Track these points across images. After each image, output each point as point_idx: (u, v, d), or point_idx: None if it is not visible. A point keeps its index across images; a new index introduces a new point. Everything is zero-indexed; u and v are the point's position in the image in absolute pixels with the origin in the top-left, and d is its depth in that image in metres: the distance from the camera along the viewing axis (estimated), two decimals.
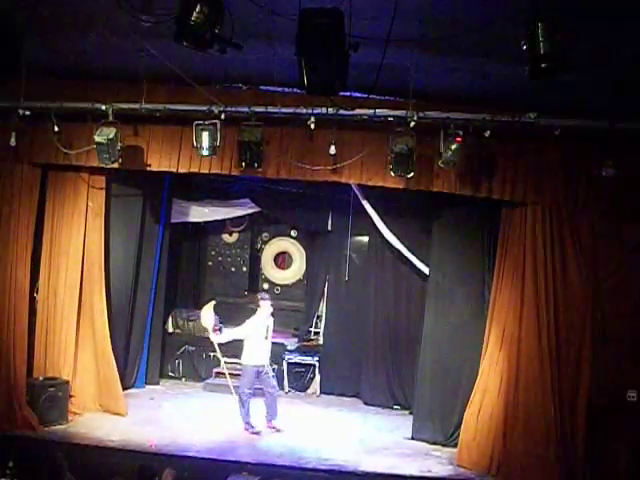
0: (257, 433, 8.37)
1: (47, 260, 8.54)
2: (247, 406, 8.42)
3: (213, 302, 9.16)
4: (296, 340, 11.64)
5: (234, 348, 11.14)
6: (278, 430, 8.52)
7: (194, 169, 7.89)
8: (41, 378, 8.26)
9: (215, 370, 10.89)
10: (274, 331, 12.35)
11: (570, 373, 7.34)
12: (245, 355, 8.54)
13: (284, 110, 7.31)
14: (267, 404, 8.58)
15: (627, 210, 7.37)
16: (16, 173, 8.19)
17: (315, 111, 7.07)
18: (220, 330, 11.65)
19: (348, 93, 6.93)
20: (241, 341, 8.61)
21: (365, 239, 10.85)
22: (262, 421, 8.59)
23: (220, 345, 9.08)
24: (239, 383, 8.67)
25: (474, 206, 8.09)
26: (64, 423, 8.10)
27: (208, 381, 10.78)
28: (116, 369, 8.79)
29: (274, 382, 8.77)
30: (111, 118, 7.40)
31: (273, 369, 10.90)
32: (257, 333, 8.47)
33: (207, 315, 8.89)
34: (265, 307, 8.59)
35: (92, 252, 8.62)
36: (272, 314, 8.71)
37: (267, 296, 8.85)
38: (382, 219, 9.26)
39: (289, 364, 10.87)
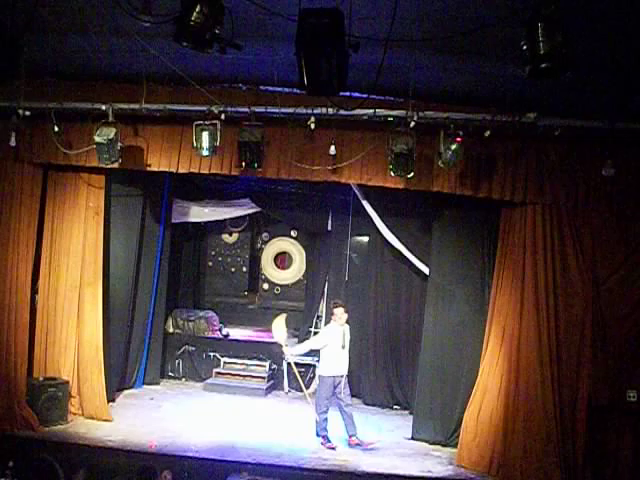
0: (333, 448, 7.91)
1: (47, 260, 8.53)
2: (323, 420, 8.01)
3: (284, 315, 8.69)
4: (296, 340, 11.64)
5: (235, 348, 11.27)
6: (364, 445, 8.00)
7: (194, 169, 7.88)
8: (41, 378, 8.25)
9: (215, 370, 10.91)
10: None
11: (570, 373, 7.34)
12: (321, 365, 8.16)
13: (284, 110, 7.30)
14: (344, 419, 8.11)
15: (627, 210, 7.37)
16: (16, 173, 8.18)
17: (315, 111, 7.07)
18: (220, 331, 11.73)
19: (348, 93, 6.93)
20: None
21: (365, 239, 10.85)
22: (340, 436, 8.19)
23: (293, 356, 8.51)
24: (316, 395, 8.17)
25: (474, 206, 8.09)
26: (64, 423, 8.10)
27: (208, 381, 10.78)
28: (103, 376, 8.54)
29: (349, 396, 8.17)
30: (111, 118, 7.39)
31: (273, 369, 10.97)
32: (333, 342, 8.03)
33: (279, 328, 8.38)
34: (339, 314, 8.05)
35: (92, 252, 8.60)
36: (348, 321, 8.20)
37: (341, 302, 8.30)
38: (382, 219, 9.26)
39: (289, 364, 10.85)
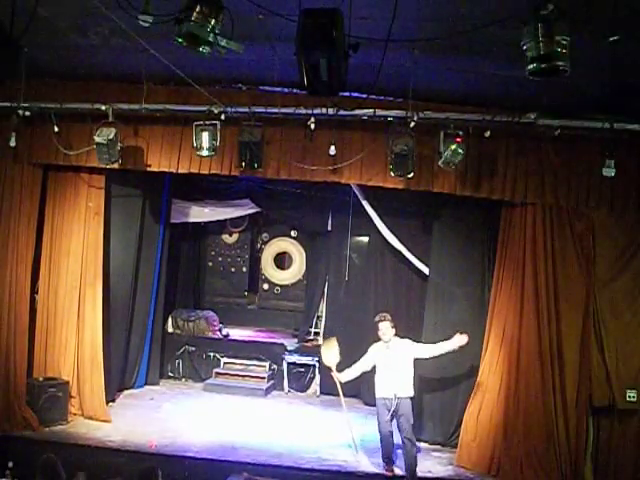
0: (389, 472, 7.29)
1: (47, 260, 8.53)
2: (385, 443, 7.31)
3: (335, 338, 8.17)
4: (296, 340, 11.66)
5: (235, 348, 11.28)
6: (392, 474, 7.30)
7: (194, 169, 7.88)
8: (41, 378, 8.25)
9: (215, 370, 10.91)
10: (275, 332, 12.47)
11: (570, 373, 7.34)
12: (376, 387, 7.44)
13: (284, 110, 7.31)
14: (403, 453, 7.28)
15: (627, 210, 7.36)
16: (16, 173, 8.19)
17: (315, 111, 7.08)
18: (220, 331, 11.73)
19: (348, 93, 6.94)
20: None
21: (365, 239, 10.85)
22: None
23: (341, 384, 7.68)
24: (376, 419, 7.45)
25: (474, 206, 8.09)
26: (64, 423, 8.10)
27: (208, 381, 10.77)
28: (103, 376, 8.52)
29: (409, 426, 7.17)
30: (111, 118, 7.40)
31: (273, 369, 10.95)
32: (380, 360, 7.36)
33: (331, 352, 7.82)
34: (384, 329, 7.27)
35: (92, 252, 8.59)
36: (397, 334, 7.37)
37: (384, 315, 7.39)
38: (382, 219, 9.26)
39: (289, 364, 10.87)
